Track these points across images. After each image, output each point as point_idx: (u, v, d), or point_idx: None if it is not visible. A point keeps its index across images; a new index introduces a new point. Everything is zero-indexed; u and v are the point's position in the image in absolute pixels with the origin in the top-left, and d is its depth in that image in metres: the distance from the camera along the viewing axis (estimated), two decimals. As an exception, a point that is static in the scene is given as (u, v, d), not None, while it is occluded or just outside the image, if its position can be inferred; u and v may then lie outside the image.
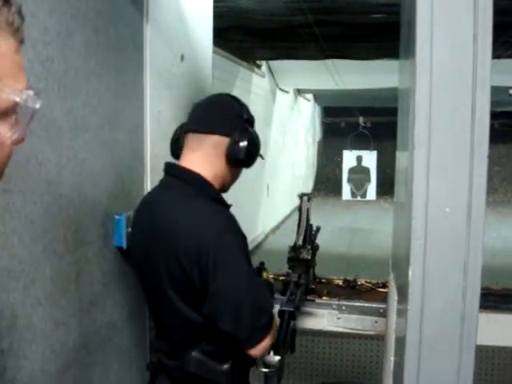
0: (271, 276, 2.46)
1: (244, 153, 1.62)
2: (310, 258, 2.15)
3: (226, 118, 1.65)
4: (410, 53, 1.23)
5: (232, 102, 1.71)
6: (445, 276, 1.10)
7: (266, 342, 1.56)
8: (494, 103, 1.09)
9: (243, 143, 1.61)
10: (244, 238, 1.59)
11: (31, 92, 0.71)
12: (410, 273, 1.12)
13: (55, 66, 1.48)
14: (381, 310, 2.11)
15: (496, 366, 2.35)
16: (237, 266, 1.53)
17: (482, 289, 1.14)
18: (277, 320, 1.71)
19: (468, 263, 1.09)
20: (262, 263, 2.09)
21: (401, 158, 1.59)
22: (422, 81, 1.08)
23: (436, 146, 1.09)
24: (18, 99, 0.70)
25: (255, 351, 1.55)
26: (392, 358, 1.51)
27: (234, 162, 1.64)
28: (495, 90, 1.18)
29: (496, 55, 4.72)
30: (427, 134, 1.08)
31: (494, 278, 2.15)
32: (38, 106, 0.71)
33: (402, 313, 1.30)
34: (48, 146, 1.47)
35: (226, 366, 1.61)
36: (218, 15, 2.91)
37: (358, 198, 9.83)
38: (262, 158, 1.79)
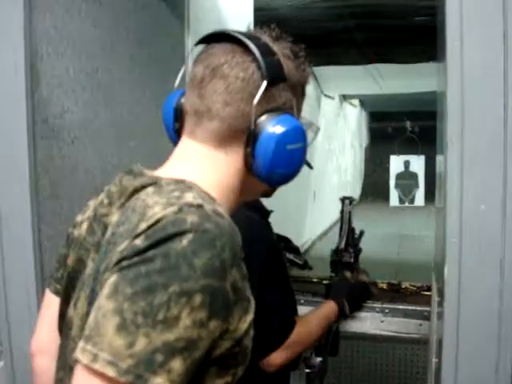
0: (315, 280, 2.47)
1: None
2: (352, 261, 2.16)
3: None
4: (442, 55, 1.23)
5: None
6: (481, 274, 1.10)
7: (279, 356, 1.43)
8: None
9: None
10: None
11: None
12: (445, 272, 1.12)
13: (100, 76, 1.55)
14: (425, 313, 2.08)
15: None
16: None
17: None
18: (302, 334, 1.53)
19: (504, 261, 1.08)
20: None
21: (440, 162, 1.59)
22: (454, 80, 1.09)
23: (469, 143, 1.09)
24: None
25: (265, 364, 1.41)
26: (434, 360, 1.51)
27: None
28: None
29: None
30: (460, 131, 1.09)
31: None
32: None
33: (441, 313, 1.29)
34: (94, 154, 1.54)
35: None
36: (259, 24, 2.95)
37: (406, 204, 9.64)
38: (310, 167, 1.71)
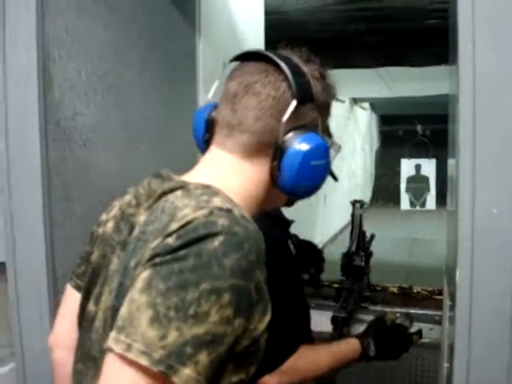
0: (325, 283, 2.47)
1: None
2: (363, 264, 2.16)
3: None
4: (454, 58, 1.23)
5: None
6: (493, 278, 1.09)
7: (272, 380, 1.29)
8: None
9: None
10: None
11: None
12: (457, 275, 1.12)
13: (111, 79, 1.55)
14: (436, 318, 2.08)
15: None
16: None
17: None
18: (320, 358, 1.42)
19: (517, 265, 1.07)
20: None
21: (452, 165, 1.58)
22: (466, 82, 1.08)
23: (481, 146, 1.08)
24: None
25: None
26: (445, 365, 1.50)
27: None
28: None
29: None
30: (472, 134, 1.08)
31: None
32: None
33: (452, 317, 1.29)
34: (106, 157, 1.54)
35: None
36: (269, 27, 2.96)
37: (417, 208, 9.61)
38: (336, 180, 1.31)
